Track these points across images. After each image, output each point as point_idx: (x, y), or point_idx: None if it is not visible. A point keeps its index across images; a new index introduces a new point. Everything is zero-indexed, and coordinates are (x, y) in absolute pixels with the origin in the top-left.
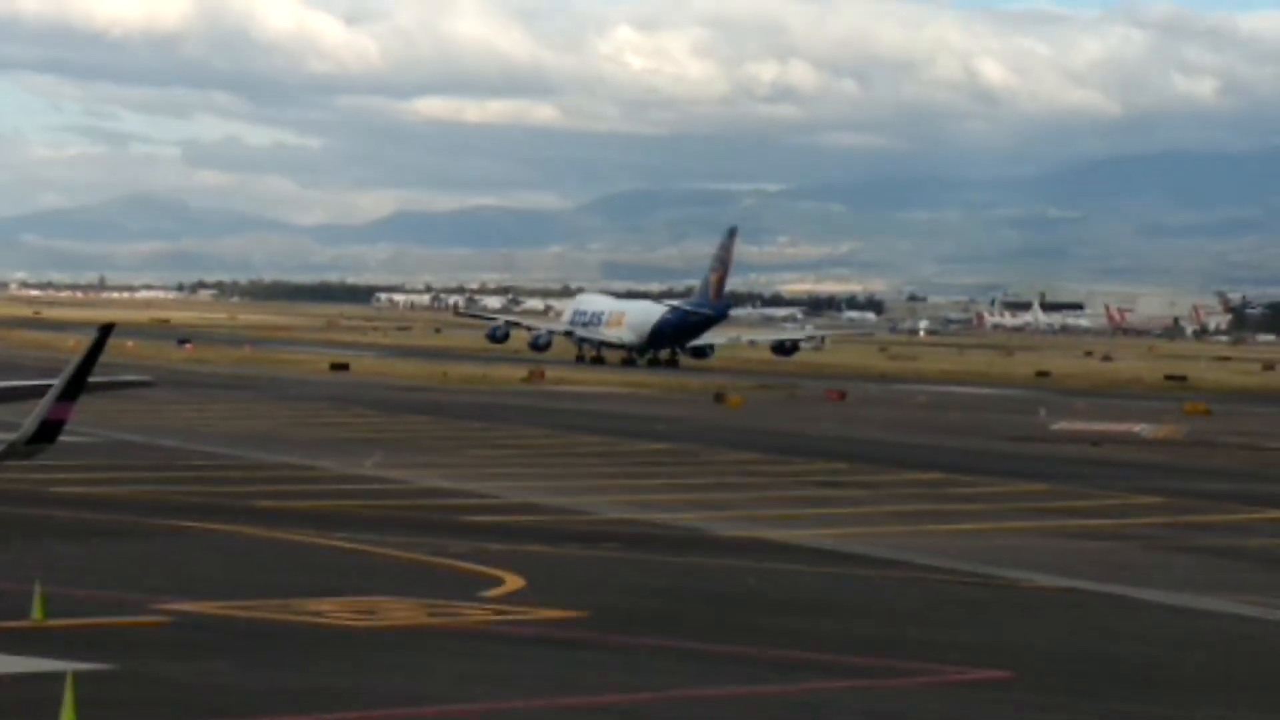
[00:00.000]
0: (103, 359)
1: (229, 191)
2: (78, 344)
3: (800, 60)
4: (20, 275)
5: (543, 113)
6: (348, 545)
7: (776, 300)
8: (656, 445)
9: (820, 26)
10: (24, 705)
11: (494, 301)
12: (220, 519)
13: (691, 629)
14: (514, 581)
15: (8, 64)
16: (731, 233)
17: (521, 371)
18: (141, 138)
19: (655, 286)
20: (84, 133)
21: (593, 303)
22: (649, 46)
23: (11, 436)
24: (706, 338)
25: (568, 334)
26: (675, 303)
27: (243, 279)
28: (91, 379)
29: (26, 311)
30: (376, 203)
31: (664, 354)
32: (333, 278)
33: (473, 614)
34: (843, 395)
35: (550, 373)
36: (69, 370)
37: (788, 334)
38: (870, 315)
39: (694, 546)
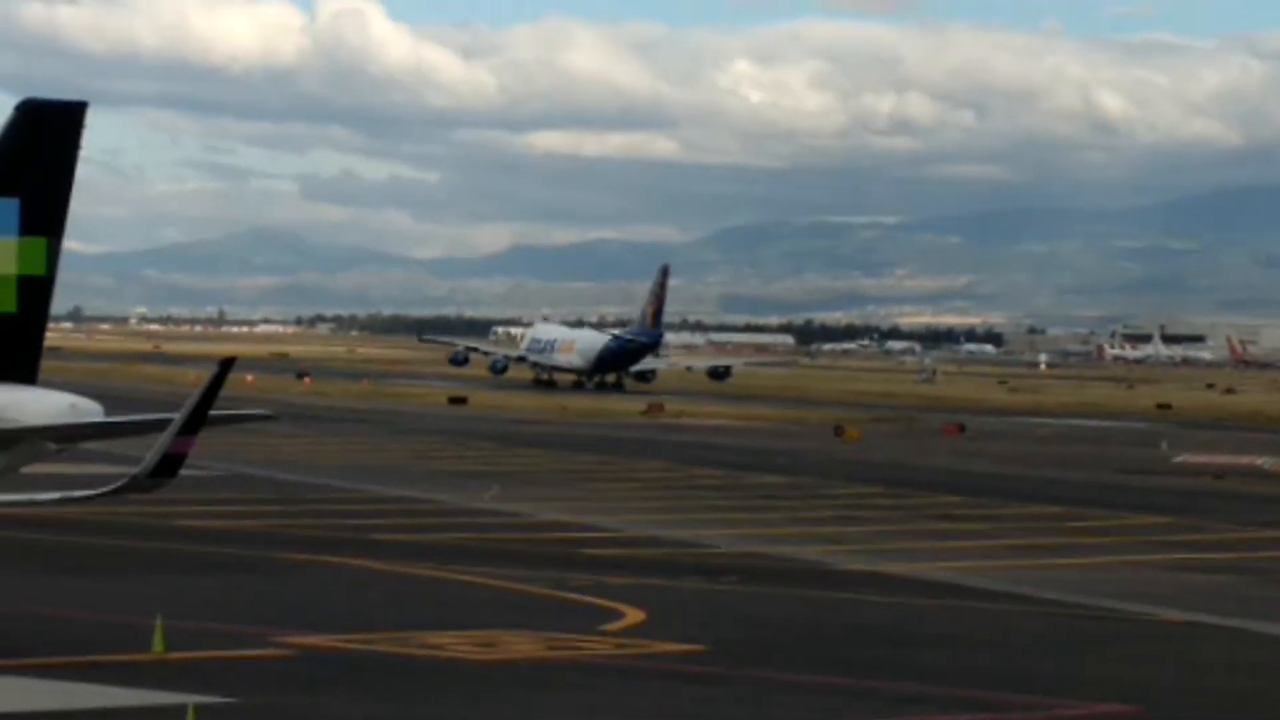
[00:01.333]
0: (223, 393)
1: (346, 225)
2: (198, 378)
3: (917, 92)
4: (140, 310)
5: (661, 146)
6: (468, 578)
7: (894, 333)
8: (776, 479)
9: (937, 58)
10: None
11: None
12: (340, 552)
13: (811, 663)
14: (634, 615)
15: (128, 100)
16: (664, 270)
17: (640, 405)
18: (259, 172)
19: (773, 319)
20: (203, 168)
21: (548, 332)
22: (766, 79)
23: (133, 470)
24: (647, 364)
25: (521, 359)
26: (617, 332)
27: (360, 313)
28: (212, 413)
29: (147, 346)
30: (494, 236)
31: (610, 378)
32: (450, 311)
33: (593, 647)
34: (961, 429)
35: (670, 405)
36: (190, 404)
37: (720, 360)
38: (989, 348)
39: (814, 580)
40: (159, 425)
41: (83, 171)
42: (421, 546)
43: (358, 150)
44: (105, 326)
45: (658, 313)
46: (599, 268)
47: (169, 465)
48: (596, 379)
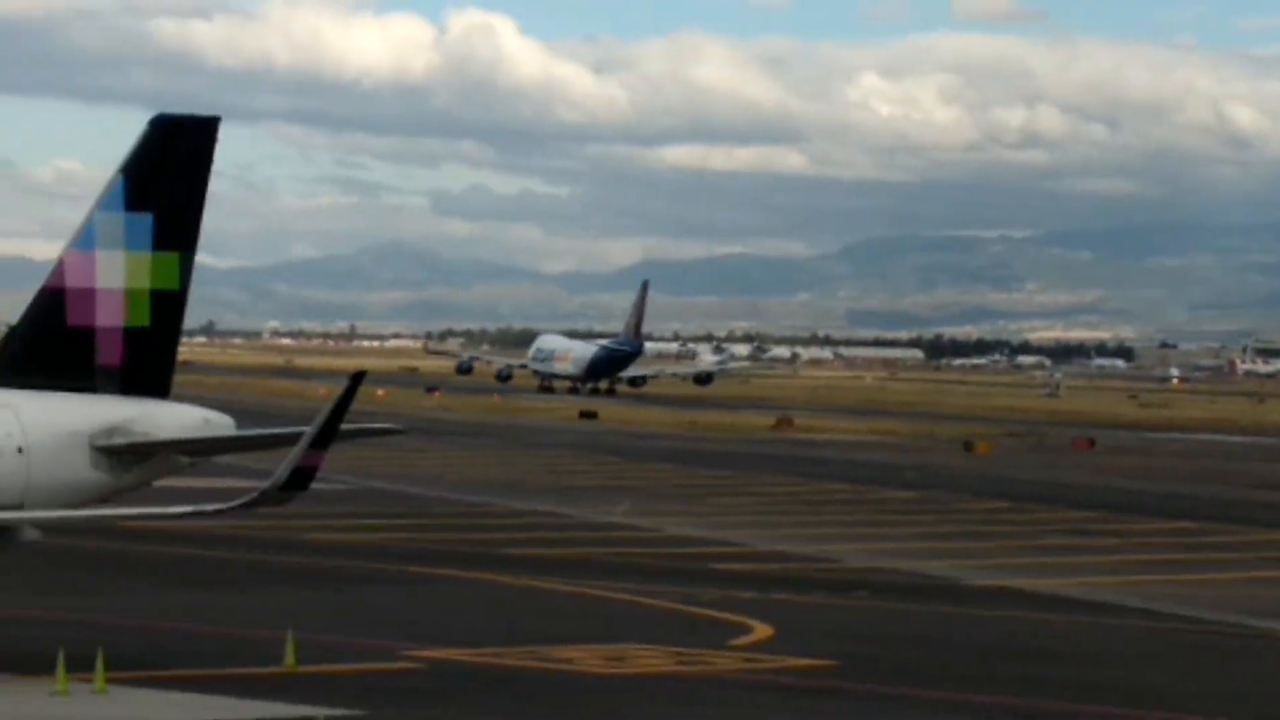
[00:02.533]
0: (353, 407)
1: (477, 240)
2: (328, 392)
3: (1047, 105)
4: (272, 324)
5: (790, 160)
6: (597, 593)
7: (1024, 348)
8: (905, 493)
9: (1067, 71)
10: None
11: (741, 349)
12: (470, 566)
13: (940, 679)
14: (763, 630)
15: (260, 115)
16: (644, 285)
17: (770, 420)
18: (391, 187)
19: (902, 334)
20: (334, 183)
21: (549, 342)
22: (896, 93)
23: (265, 484)
24: (634, 370)
25: (522, 367)
26: (604, 343)
27: (490, 327)
28: (343, 427)
29: (278, 360)
30: (624, 250)
31: (604, 385)
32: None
33: (722, 662)
34: (1092, 443)
35: (799, 421)
36: (321, 418)
37: (703, 367)
38: (1120, 363)
39: (943, 595)
40: (290, 439)
41: (215, 186)
42: (551, 561)
43: (488, 165)
44: (237, 341)
45: (639, 325)
46: (728, 282)
47: (300, 479)
48: (590, 385)
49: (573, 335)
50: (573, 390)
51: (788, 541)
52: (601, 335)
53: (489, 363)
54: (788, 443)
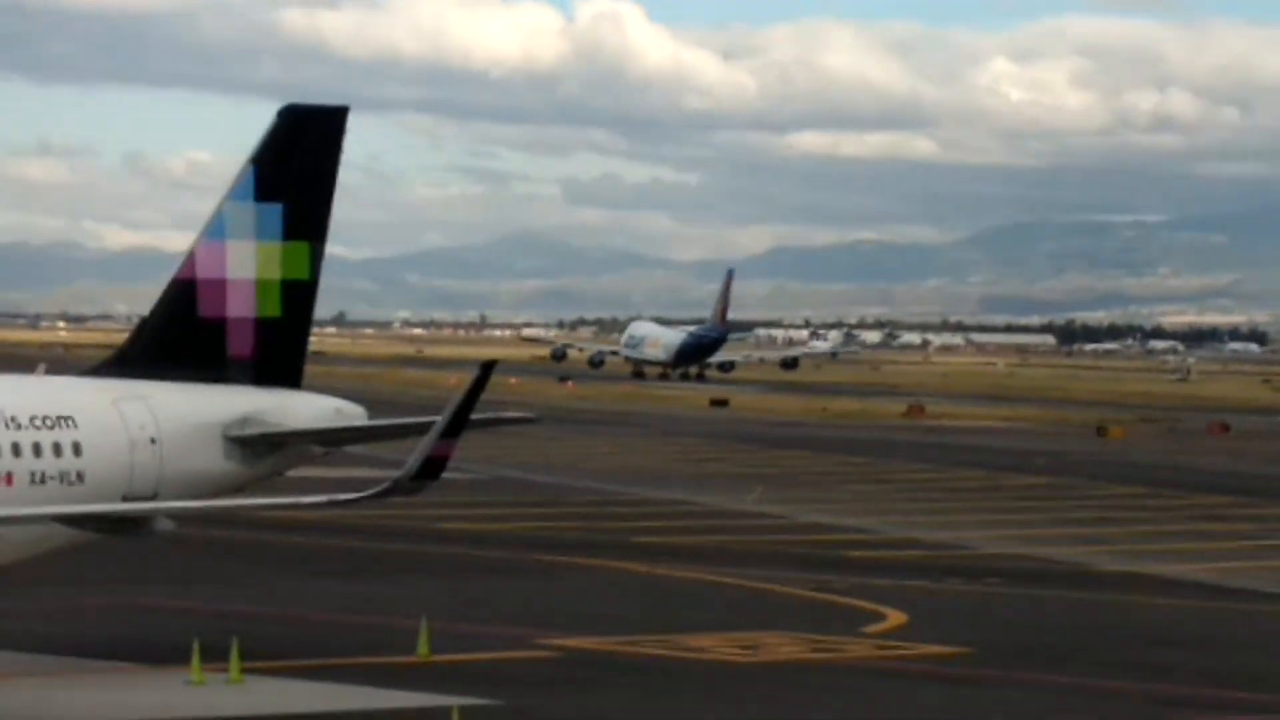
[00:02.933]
0: (485, 396)
1: (608, 228)
2: (459, 381)
3: (1180, 89)
4: (404, 314)
5: (920, 146)
6: (730, 580)
7: (1157, 333)
8: (1037, 479)
9: (1199, 54)
10: None
11: (873, 336)
12: (603, 555)
13: (1075, 665)
14: (896, 617)
15: (390, 105)
16: (730, 274)
17: (901, 406)
18: (521, 176)
19: (1035, 320)
20: (465, 172)
21: (640, 329)
22: (1026, 78)
23: (397, 473)
24: (722, 356)
25: (614, 353)
26: (692, 329)
27: (622, 315)
28: (474, 416)
29: (409, 350)
30: (754, 238)
31: (693, 370)
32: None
33: (855, 649)
34: (1226, 428)
35: (931, 407)
36: (452, 407)
37: (791, 352)
38: (1253, 347)
39: (1076, 581)
40: (421, 429)
41: (345, 176)
42: (684, 548)
43: (619, 153)
44: (368, 331)
45: (724, 311)
46: (859, 269)
47: (432, 468)
48: (680, 370)
49: (704, 323)
50: (663, 376)
51: (920, 528)
52: (733, 323)
53: (581, 349)
54: (919, 429)
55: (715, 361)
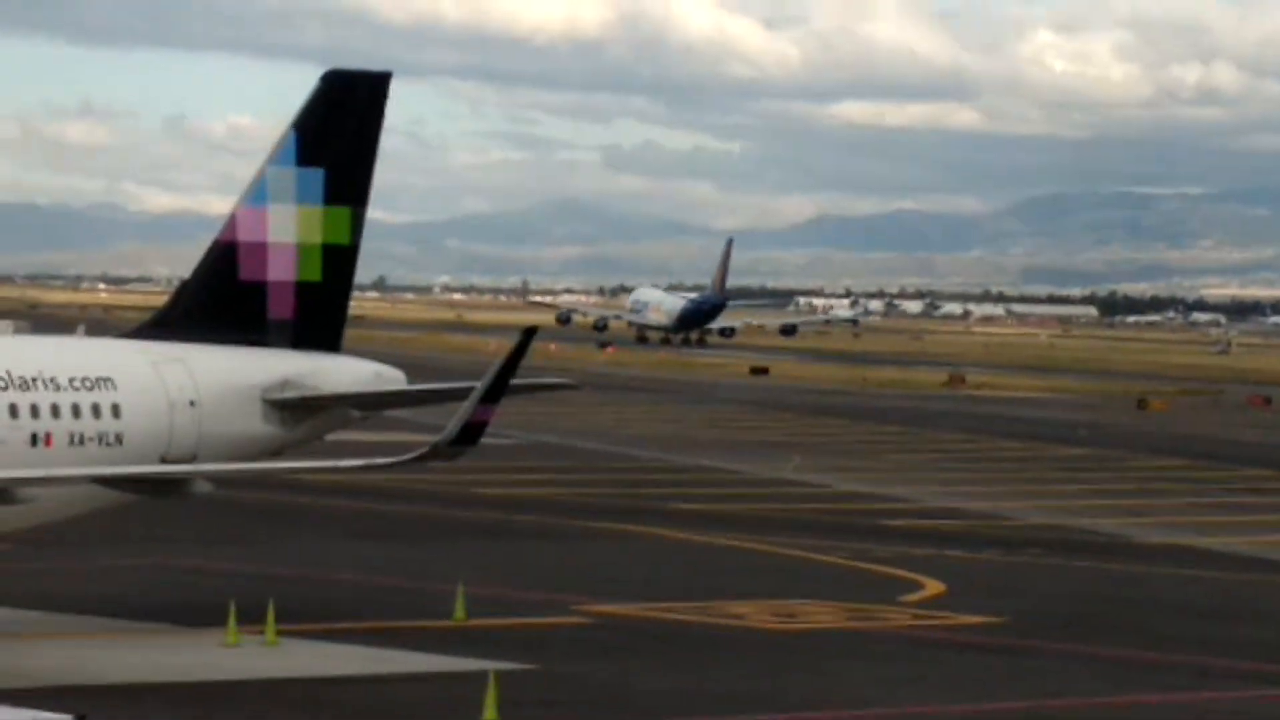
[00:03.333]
0: (525, 362)
1: (649, 196)
2: (499, 347)
3: (1224, 61)
4: (444, 279)
5: (963, 116)
6: (768, 548)
7: (1199, 305)
8: (1077, 450)
9: (1244, 27)
10: (447, 704)
11: (913, 306)
12: (640, 521)
13: (1112, 636)
14: (934, 586)
15: (431, 70)
16: (729, 243)
17: (942, 376)
18: (563, 143)
19: (1076, 291)
20: (506, 138)
21: (644, 295)
22: (1070, 49)
23: (436, 438)
24: (721, 323)
25: (616, 317)
26: (691, 295)
27: (662, 283)
28: (514, 381)
29: (450, 315)
30: (796, 207)
31: (694, 335)
32: (752, 282)
33: (893, 618)
34: (1268, 401)
35: (971, 377)
36: (491, 373)
37: (789, 319)
38: None
39: (1115, 553)
40: (461, 394)
41: (386, 142)
42: (722, 516)
43: (660, 121)
44: (409, 296)
45: (723, 280)
46: (901, 238)
47: (471, 433)
48: (681, 336)
49: (744, 292)
50: (665, 341)
51: (960, 498)
52: (775, 292)
53: (585, 314)
54: (960, 399)
55: (716, 327)
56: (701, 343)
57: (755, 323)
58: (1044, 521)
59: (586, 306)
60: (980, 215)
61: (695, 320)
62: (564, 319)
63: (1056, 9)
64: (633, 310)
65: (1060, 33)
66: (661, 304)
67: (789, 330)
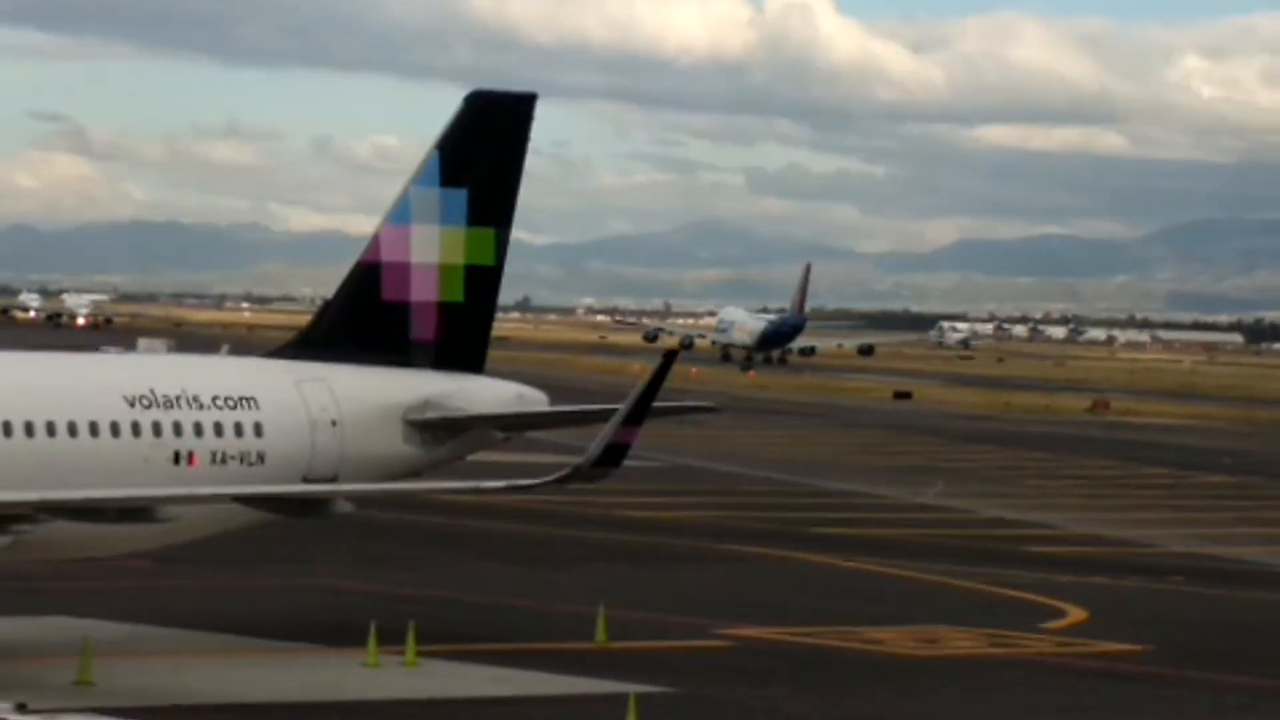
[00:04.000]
0: (666, 385)
1: (792, 218)
2: (642, 369)
3: None
4: (587, 301)
5: (1109, 141)
6: (909, 573)
7: None
8: (1223, 478)
9: None
10: None
11: (1057, 331)
12: (782, 545)
13: (1256, 666)
14: (1076, 613)
15: (577, 92)
16: (808, 267)
17: (1086, 402)
18: (707, 165)
19: (1223, 318)
20: (651, 160)
21: (730, 314)
22: (1218, 74)
23: (578, 460)
24: (802, 342)
25: (701, 336)
26: (772, 317)
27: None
28: (656, 404)
29: (592, 337)
30: (940, 231)
31: (775, 354)
32: (895, 306)
33: (1034, 645)
34: None
35: (1116, 404)
36: (634, 395)
37: (869, 340)
38: None
39: (1259, 582)
40: (603, 416)
41: (531, 163)
42: (864, 541)
43: (805, 144)
44: (552, 317)
45: (803, 302)
46: (1045, 263)
47: (613, 455)
48: (762, 355)
49: (887, 315)
50: (747, 359)
51: (1103, 525)
52: (918, 316)
53: (671, 333)
54: (1104, 425)
55: (797, 347)
56: (783, 361)
57: (835, 343)
58: (1187, 550)
59: (673, 326)
60: (1126, 241)
61: (776, 340)
62: (651, 337)
63: (1203, 34)
64: (718, 330)
65: (1207, 58)
66: (745, 324)
67: (866, 350)
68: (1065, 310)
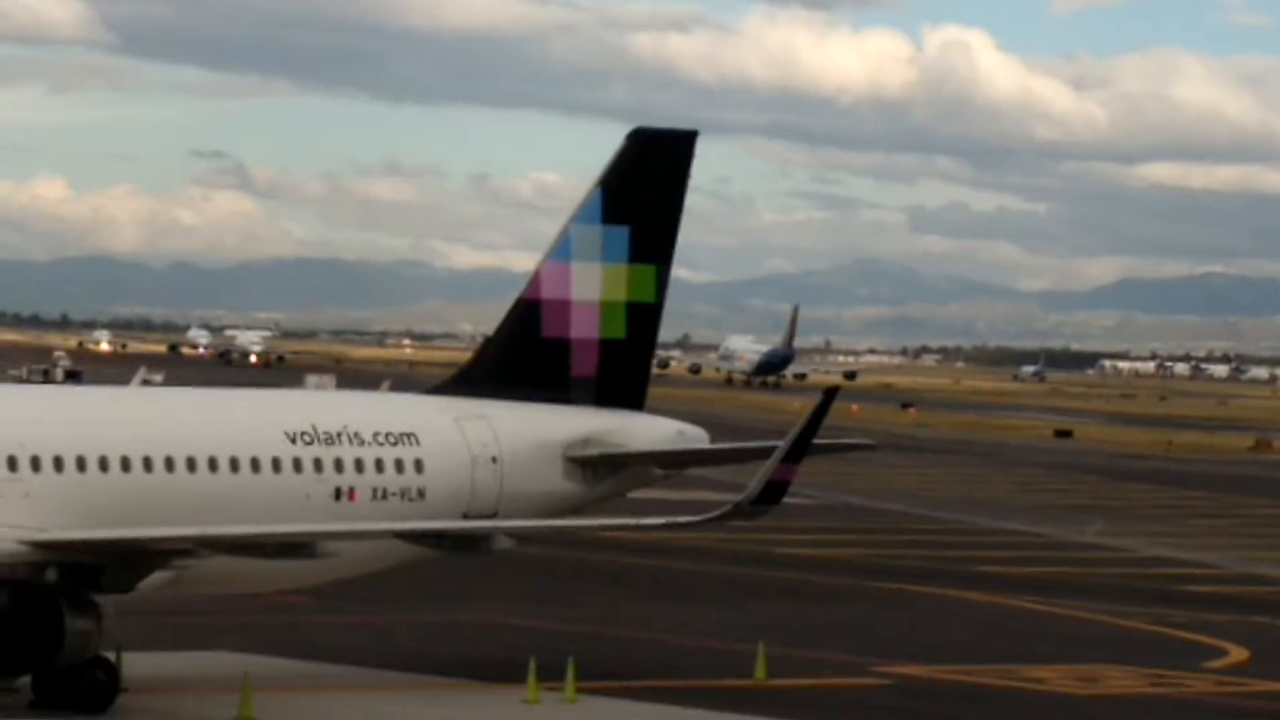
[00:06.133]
0: (827, 422)
1: (953, 257)
2: (803, 407)
3: None
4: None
5: (1272, 179)
6: (1069, 612)
7: None
8: None
9: None
10: None
11: (1220, 370)
12: (942, 583)
13: None
14: (1238, 653)
15: (739, 129)
16: (795, 309)
17: (1248, 441)
18: (867, 203)
19: None
20: (811, 198)
21: (735, 343)
22: None
23: (737, 497)
24: (796, 369)
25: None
26: (766, 349)
27: (966, 344)
28: (815, 441)
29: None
30: (1102, 269)
31: (770, 379)
32: (1056, 344)
33: (1195, 685)
34: None
35: (1277, 443)
36: (794, 432)
37: (852, 367)
38: None
39: None
40: (763, 453)
41: (692, 200)
42: (1023, 579)
43: (966, 181)
44: (711, 355)
45: (792, 338)
46: (1208, 302)
47: (773, 492)
48: (759, 380)
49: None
50: (746, 383)
51: (1265, 564)
52: (1079, 354)
53: (680, 360)
54: (1266, 464)
55: (791, 373)
56: (777, 385)
57: (823, 369)
58: None
59: (682, 356)
60: None
61: (770, 369)
62: (663, 365)
63: None
64: (722, 357)
65: None
66: (745, 353)
67: (851, 375)
68: (1228, 349)
